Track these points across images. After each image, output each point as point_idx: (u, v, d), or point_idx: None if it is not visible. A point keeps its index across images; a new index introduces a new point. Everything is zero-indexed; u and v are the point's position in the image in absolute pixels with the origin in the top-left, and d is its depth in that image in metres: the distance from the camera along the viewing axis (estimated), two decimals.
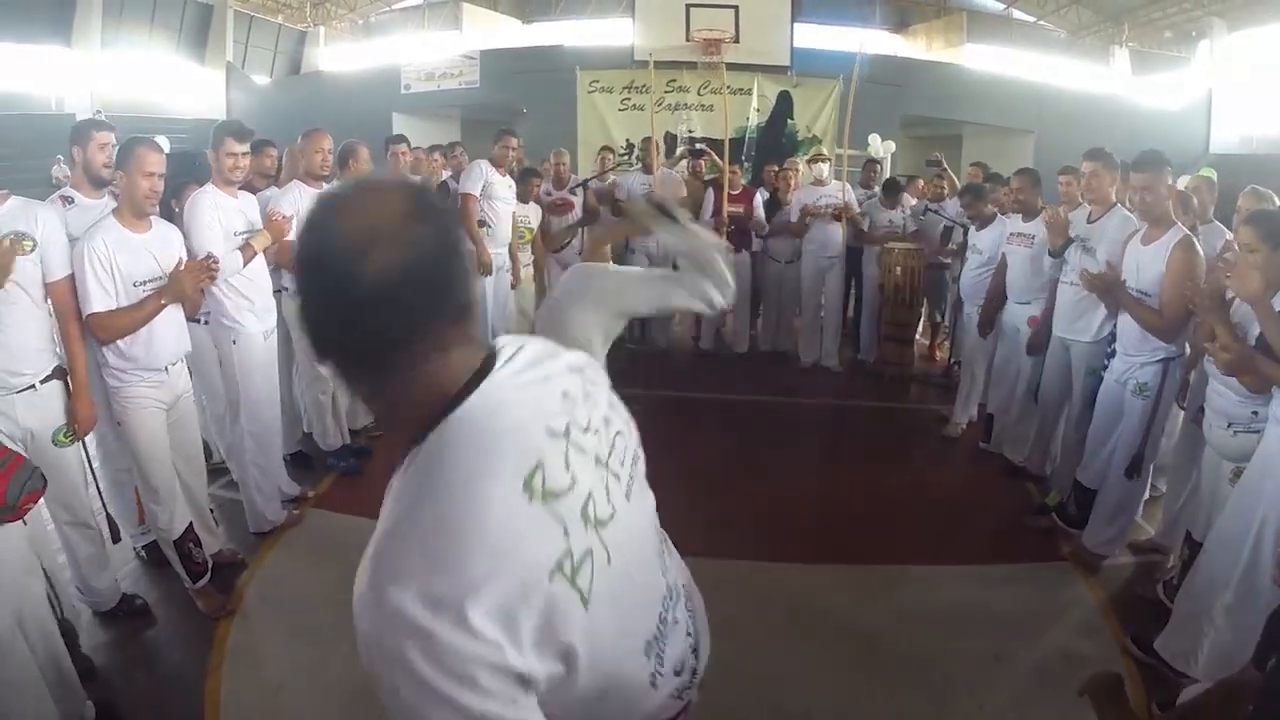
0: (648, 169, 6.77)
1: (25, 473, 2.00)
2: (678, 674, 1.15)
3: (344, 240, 0.84)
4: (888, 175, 7.93)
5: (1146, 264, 3.17)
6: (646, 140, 7.13)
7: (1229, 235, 3.63)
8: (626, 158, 8.42)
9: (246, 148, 3.34)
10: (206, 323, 3.35)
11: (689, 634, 1.21)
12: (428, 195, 0.94)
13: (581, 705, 0.95)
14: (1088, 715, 2.58)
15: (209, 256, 3.00)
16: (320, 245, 0.86)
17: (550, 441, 0.94)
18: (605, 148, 7.13)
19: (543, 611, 0.85)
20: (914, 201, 7.01)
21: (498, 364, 0.95)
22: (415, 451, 0.89)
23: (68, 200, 3.05)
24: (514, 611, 0.82)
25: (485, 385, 0.92)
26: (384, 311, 0.84)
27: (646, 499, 1.14)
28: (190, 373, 3.24)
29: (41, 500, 2.15)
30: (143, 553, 3.32)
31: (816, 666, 2.75)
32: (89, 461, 2.75)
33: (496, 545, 0.84)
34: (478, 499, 0.85)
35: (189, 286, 2.83)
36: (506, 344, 1.00)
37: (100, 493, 2.78)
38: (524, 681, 0.83)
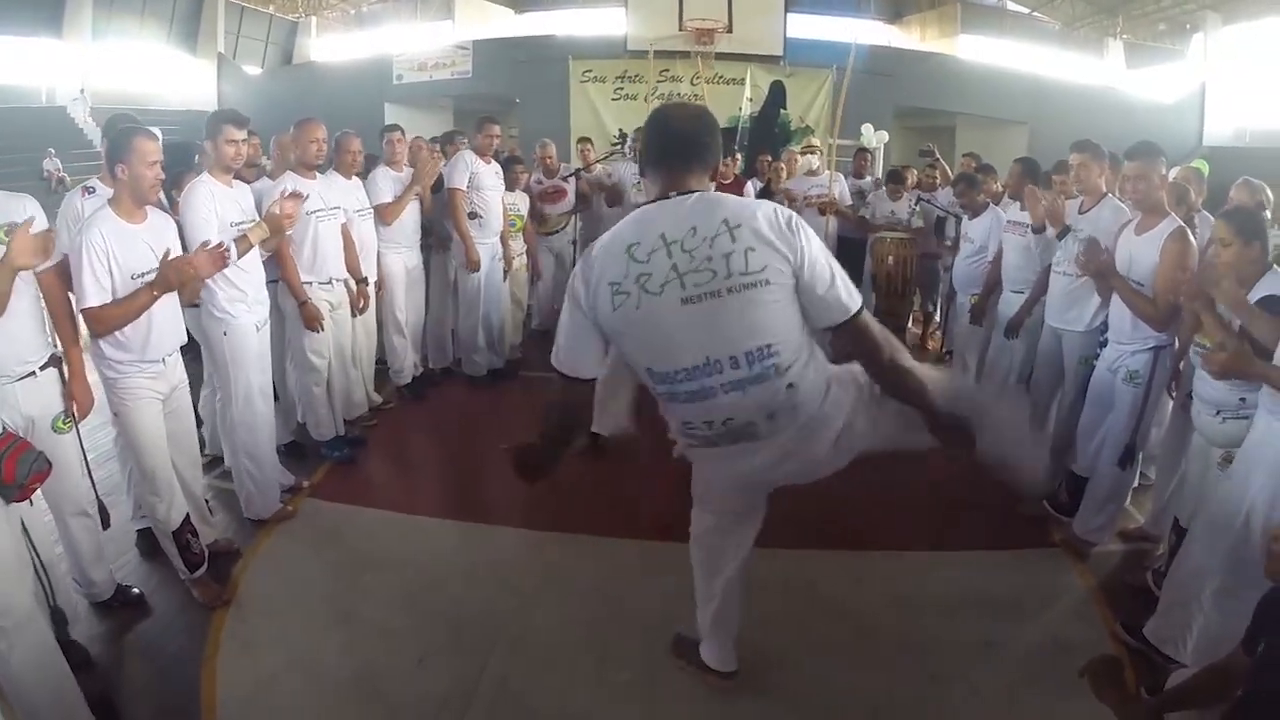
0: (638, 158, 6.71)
1: (31, 455, 2.03)
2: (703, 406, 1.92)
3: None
4: (881, 165, 7.94)
5: (1140, 254, 3.18)
6: (639, 130, 7.11)
7: None
8: (620, 147, 8.41)
9: (245, 134, 3.33)
10: (198, 305, 3.34)
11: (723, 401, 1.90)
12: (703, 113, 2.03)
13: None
14: (1079, 699, 2.61)
15: (220, 244, 2.98)
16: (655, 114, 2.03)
17: (655, 237, 1.83)
18: (583, 139, 7.10)
19: (599, 291, 1.86)
20: (907, 192, 7.02)
21: (675, 194, 1.89)
22: None
23: (89, 190, 3.07)
24: (592, 280, 1.87)
25: (661, 201, 1.90)
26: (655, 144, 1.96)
27: (712, 313, 1.82)
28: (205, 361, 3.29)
29: (39, 491, 2.17)
30: (136, 538, 3.31)
31: (810, 651, 2.77)
32: (83, 450, 2.75)
33: (601, 253, 1.89)
34: (617, 233, 1.91)
35: (175, 278, 2.79)
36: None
37: (93, 482, 2.77)
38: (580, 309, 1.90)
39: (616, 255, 1.84)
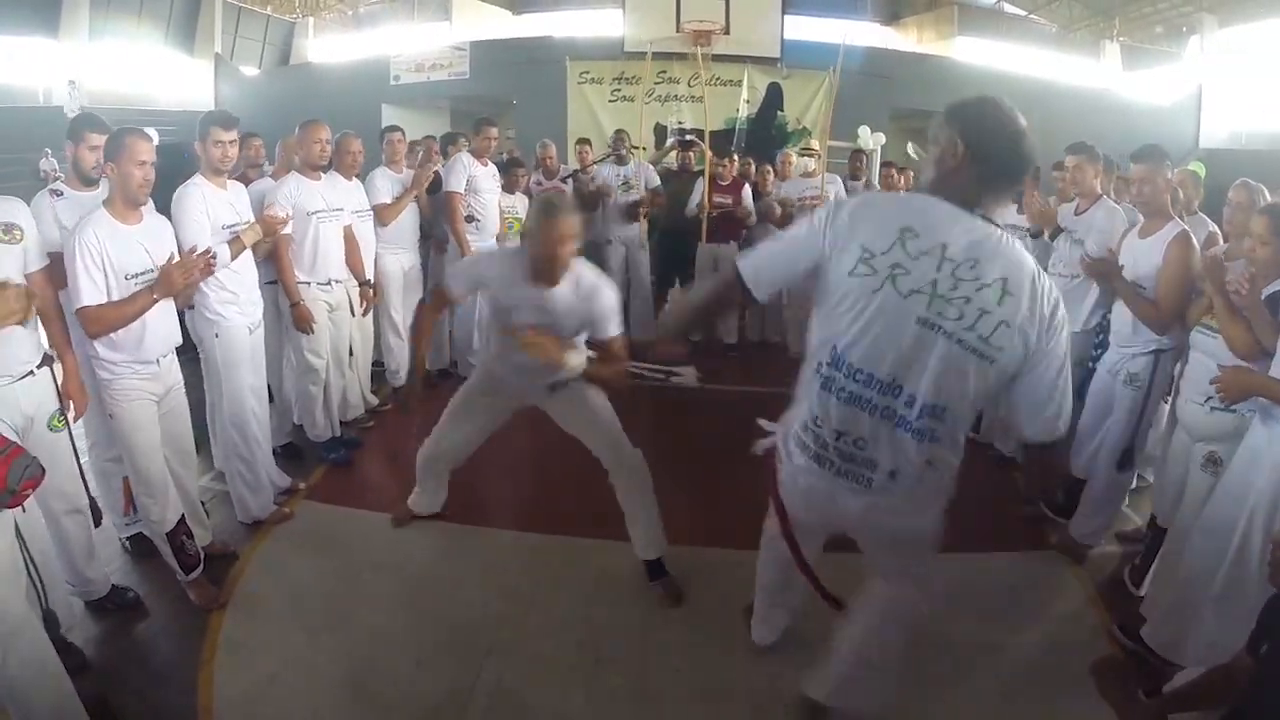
0: (620, 160, 6.68)
1: (24, 460, 2.01)
2: (831, 425, 1.83)
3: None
4: (877, 168, 7.93)
5: (1143, 257, 3.19)
6: (618, 132, 7.06)
7: (1213, 228, 3.66)
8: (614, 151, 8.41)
9: (234, 135, 3.31)
10: (192, 306, 3.33)
11: (866, 435, 1.80)
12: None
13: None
14: (1075, 701, 2.61)
15: (208, 251, 2.97)
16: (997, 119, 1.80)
17: (934, 241, 1.68)
18: (581, 140, 7.09)
19: (847, 247, 1.73)
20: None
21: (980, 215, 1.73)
22: None
23: (57, 194, 3.03)
24: (842, 230, 1.75)
25: (944, 204, 1.74)
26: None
27: (929, 346, 1.70)
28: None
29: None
30: (128, 544, 3.31)
31: (806, 652, 2.76)
32: (75, 448, 2.74)
33: (865, 212, 1.79)
34: (902, 203, 1.98)
35: (180, 282, 2.81)
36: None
37: (84, 479, 2.77)
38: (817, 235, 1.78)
39: (885, 229, 1.70)
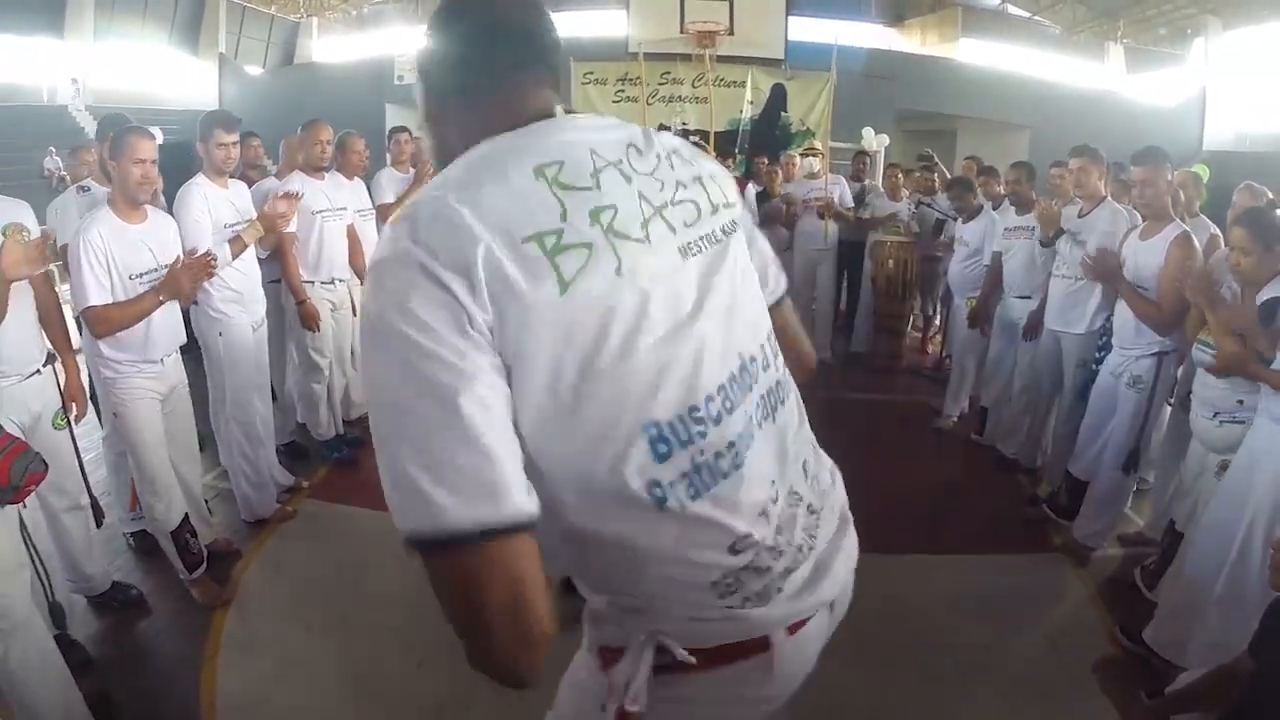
0: None
1: (27, 456, 2.03)
2: (727, 528, 0.96)
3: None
4: (881, 169, 7.93)
5: (1144, 259, 3.19)
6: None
7: (1214, 230, 3.65)
8: None
9: (236, 137, 3.33)
10: (196, 304, 3.34)
11: (790, 492, 1.06)
12: None
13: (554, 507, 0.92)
14: (1077, 703, 2.61)
15: (208, 254, 2.98)
16: (445, 4, 1.10)
17: (584, 154, 0.97)
18: None
19: (506, 268, 0.85)
20: (905, 195, 7.03)
21: (576, 116, 1.05)
22: None
23: (84, 189, 3.07)
24: (471, 258, 0.83)
25: (551, 120, 1.02)
26: (484, 43, 1.03)
27: (726, 272, 1.04)
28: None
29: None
30: (132, 540, 3.32)
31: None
32: (76, 445, 2.75)
33: (486, 194, 0.88)
34: (486, 163, 0.93)
35: (187, 285, 2.82)
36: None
37: (85, 477, 2.77)
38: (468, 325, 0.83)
39: (518, 190, 0.90)
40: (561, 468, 0.91)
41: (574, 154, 0.96)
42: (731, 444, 0.98)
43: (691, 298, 0.98)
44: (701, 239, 1.03)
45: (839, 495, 1.25)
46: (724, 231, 1.07)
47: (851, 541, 1.26)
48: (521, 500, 0.83)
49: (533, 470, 0.88)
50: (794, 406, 1.15)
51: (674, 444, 0.93)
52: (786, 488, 1.06)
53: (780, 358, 1.14)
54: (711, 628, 1.01)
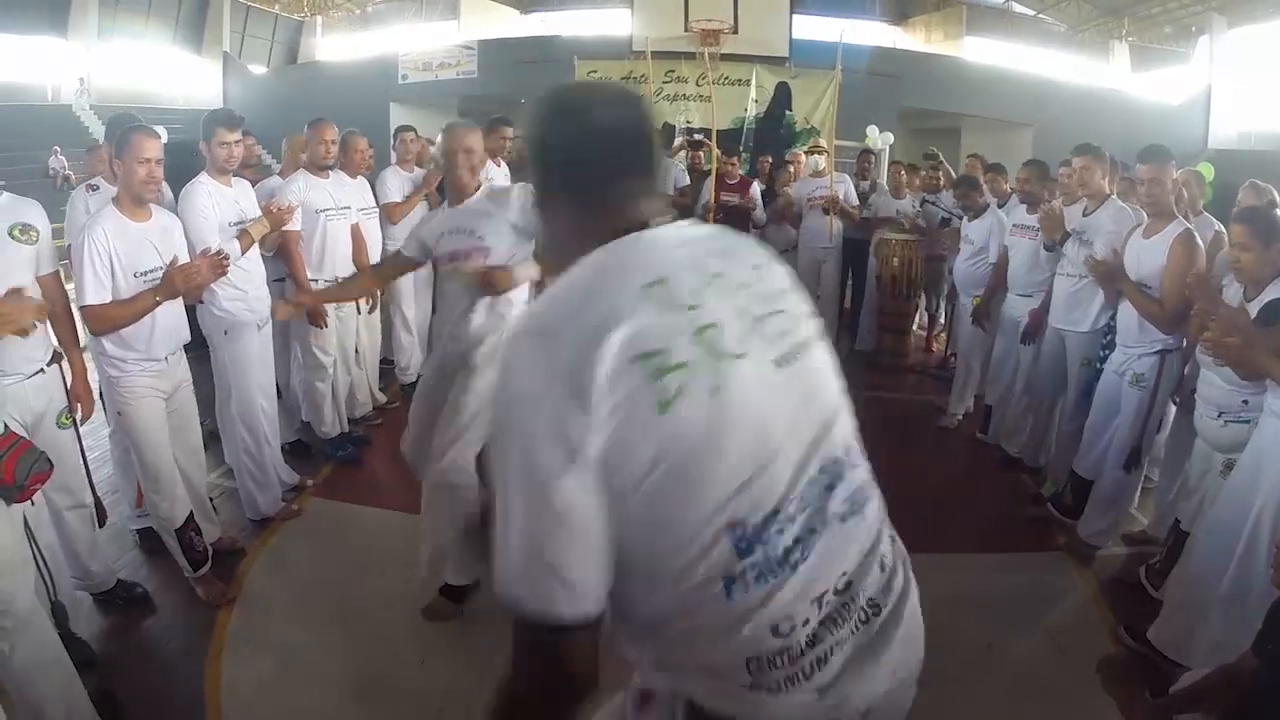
0: None
1: (32, 455, 2.03)
2: (785, 624, 1.00)
3: (574, 99, 1.15)
4: (885, 167, 7.91)
5: (1147, 257, 3.18)
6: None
7: (1218, 227, 3.65)
8: None
9: (239, 135, 3.33)
10: (201, 302, 3.34)
11: (852, 578, 1.10)
12: (633, 92, 1.18)
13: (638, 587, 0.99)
14: (1080, 702, 2.61)
15: (220, 251, 2.99)
16: (559, 100, 1.14)
17: (688, 271, 1.02)
18: None
19: (617, 386, 0.91)
20: (910, 193, 7.02)
21: (669, 226, 1.10)
22: None
23: (93, 188, 3.07)
24: (587, 372, 0.90)
25: (648, 231, 1.07)
26: (597, 150, 1.08)
27: (816, 378, 1.12)
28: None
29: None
30: (137, 537, 3.33)
31: None
32: (80, 443, 2.76)
33: (574, 318, 0.95)
34: (599, 279, 1.00)
35: (182, 286, 2.79)
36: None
37: (89, 475, 2.78)
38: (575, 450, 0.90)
39: (629, 310, 0.94)
40: (643, 563, 0.97)
41: (677, 270, 1.01)
42: (802, 540, 1.01)
43: (785, 406, 1.03)
44: (794, 347, 1.08)
45: (911, 602, 1.29)
46: (812, 339, 1.13)
47: (909, 653, 1.29)
48: (603, 598, 0.97)
49: (616, 565, 0.97)
50: (877, 510, 1.18)
51: (754, 542, 0.97)
52: (845, 582, 1.08)
53: (865, 457, 1.19)
54: (731, 703, 1.03)
